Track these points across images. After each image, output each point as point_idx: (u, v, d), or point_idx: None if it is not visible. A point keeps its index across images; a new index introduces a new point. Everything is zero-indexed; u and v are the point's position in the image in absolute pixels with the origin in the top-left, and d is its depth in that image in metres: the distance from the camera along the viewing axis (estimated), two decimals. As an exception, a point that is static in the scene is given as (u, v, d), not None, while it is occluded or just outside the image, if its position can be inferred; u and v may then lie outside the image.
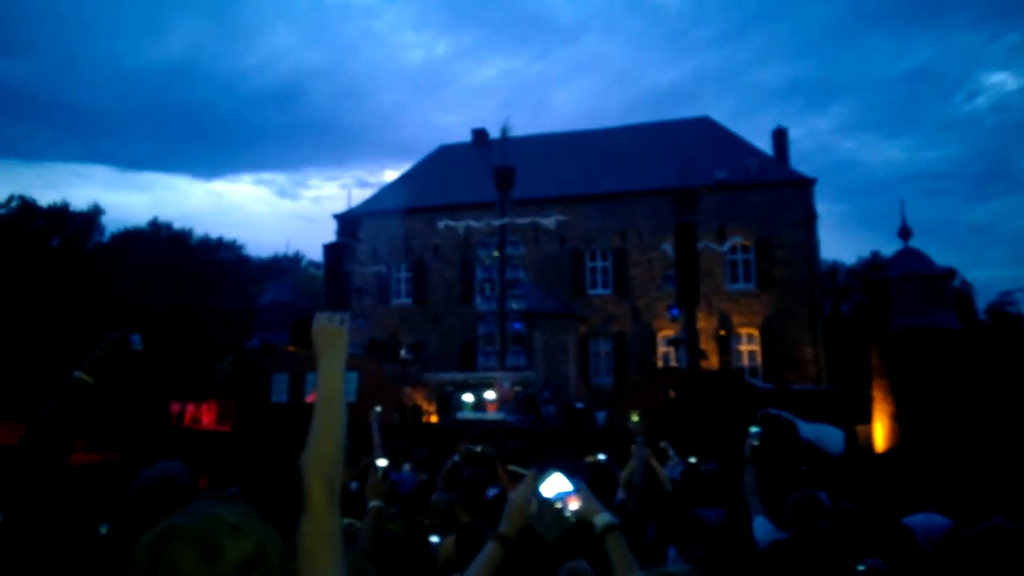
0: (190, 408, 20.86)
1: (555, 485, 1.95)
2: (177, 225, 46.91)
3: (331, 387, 1.40)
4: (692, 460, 6.04)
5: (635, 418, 4.55)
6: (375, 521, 3.10)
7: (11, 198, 40.21)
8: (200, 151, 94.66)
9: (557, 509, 1.90)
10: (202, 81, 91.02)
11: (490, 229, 22.21)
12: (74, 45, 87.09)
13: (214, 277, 38.69)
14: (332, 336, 1.45)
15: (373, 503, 3.16)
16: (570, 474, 1.99)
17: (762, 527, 3.47)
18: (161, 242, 42.04)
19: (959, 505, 4.36)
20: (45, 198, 47.62)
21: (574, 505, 1.96)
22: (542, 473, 1.97)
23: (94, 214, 43.01)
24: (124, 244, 40.49)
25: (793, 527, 3.17)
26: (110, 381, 2.04)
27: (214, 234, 49.02)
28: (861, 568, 2.43)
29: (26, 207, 40.26)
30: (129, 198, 75.52)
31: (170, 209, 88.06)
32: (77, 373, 1.97)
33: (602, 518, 1.92)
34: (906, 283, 17.51)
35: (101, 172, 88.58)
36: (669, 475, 5.35)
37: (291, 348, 20.57)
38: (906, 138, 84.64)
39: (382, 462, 3.67)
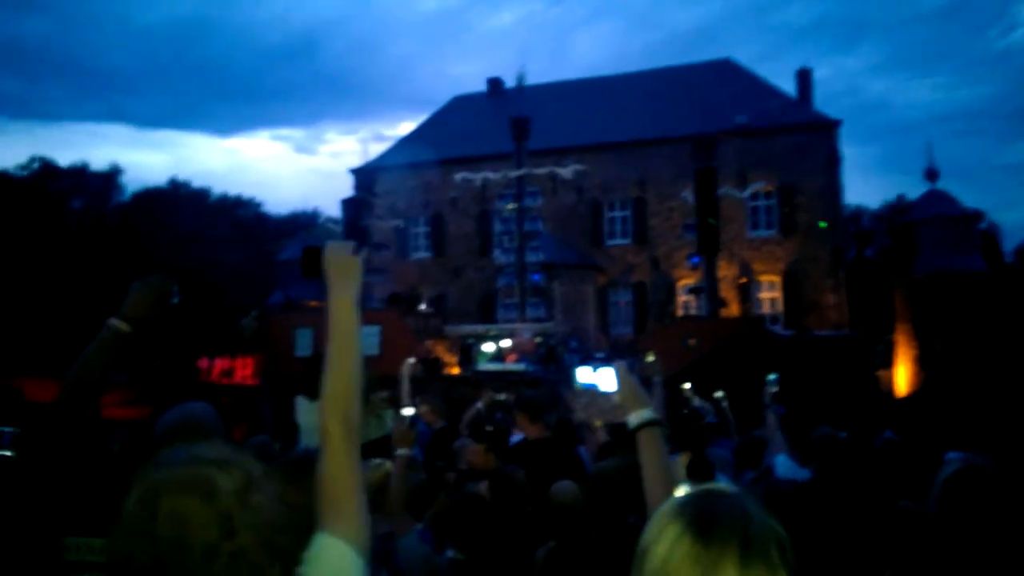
0: (218, 363, 21.31)
1: (597, 375, 1.81)
2: (196, 184, 47.10)
3: (344, 319, 1.30)
4: (719, 395, 6.11)
5: (650, 358, 4.57)
6: (403, 470, 3.14)
7: (32, 159, 40.54)
8: (217, 108, 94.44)
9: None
10: (217, 36, 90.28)
11: (507, 181, 22.02)
12: (89, 2, 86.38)
13: (234, 235, 38.98)
14: (345, 265, 1.35)
15: (401, 452, 3.19)
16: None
17: (784, 465, 3.53)
18: (180, 201, 42.28)
19: (980, 445, 4.35)
20: (64, 158, 47.91)
21: (607, 384, 1.76)
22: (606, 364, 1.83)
23: (113, 174, 43.28)
24: (144, 203, 40.80)
25: (815, 465, 3.23)
26: (146, 333, 1.85)
27: (232, 192, 49.20)
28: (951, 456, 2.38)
29: (47, 168, 40.60)
30: (148, 157, 75.94)
31: (188, 167, 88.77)
32: (114, 321, 1.77)
33: (643, 413, 1.64)
34: (931, 226, 17.19)
35: (119, 131, 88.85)
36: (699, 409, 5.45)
37: (313, 304, 20.80)
38: (938, 76, 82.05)
39: (409, 410, 3.73)
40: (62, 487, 1.67)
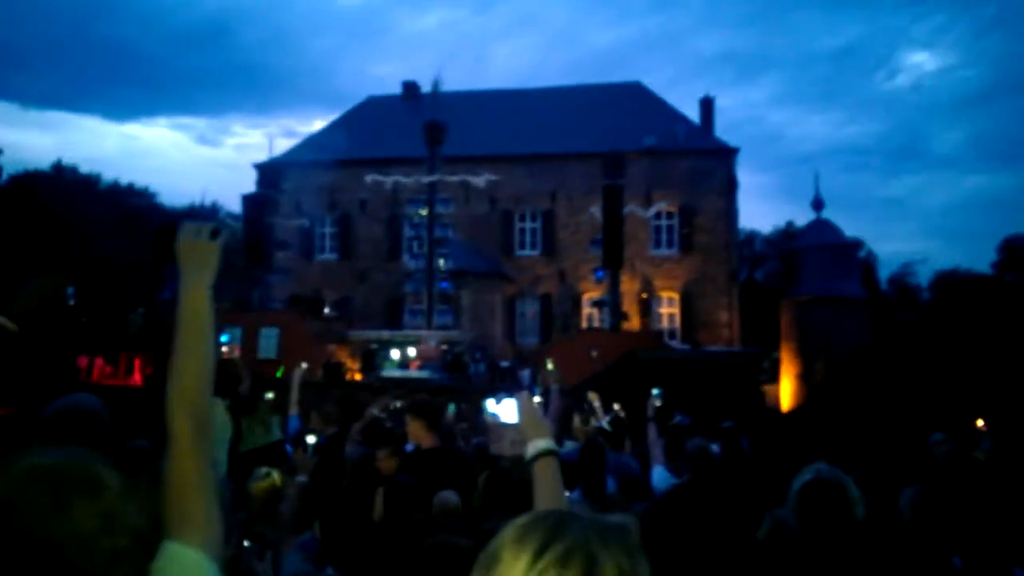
0: (98, 362, 19.93)
1: (501, 407, 1.84)
2: (84, 169, 43.96)
3: (195, 308, 1.22)
4: (616, 407, 6.32)
5: (550, 366, 4.73)
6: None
7: None
8: (114, 91, 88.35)
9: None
10: (120, 15, 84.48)
11: (419, 186, 21.88)
12: (-38, -36, 79.02)
13: (124, 225, 36.61)
14: (201, 250, 1.26)
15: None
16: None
17: (659, 475, 3.70)
18: (65, 186, 39.33)
19: (851, 459, 4.70)
20: (-69, 133, 43.56)
21: (508, 416, 1.76)
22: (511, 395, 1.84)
23: (-11, 153, 39.72)
24: (23, 186, 37.66)
25: (688, 474, 3.40)
26: (32, 332, 1.76)
27: (125, 180, 46.28)
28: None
29: (-92, 142, 36.77)
30: (32, 138, 70.19)
31: (78, 151, 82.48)
32: (0, 319, 1.68)
33: (539, 443, 1.63)
34: (815, 252, 18.41)
35: (1, 109, 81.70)
36: (598, 425, 5.63)
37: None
38: (830, 112, 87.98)
39: (311, 438, 3.65)
40: None
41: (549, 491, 1.57)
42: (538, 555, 0.78)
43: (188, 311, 1.22)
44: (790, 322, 16.85)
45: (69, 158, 64.82)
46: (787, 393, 16.13)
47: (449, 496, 3.05)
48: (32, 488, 0.97)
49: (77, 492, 0.98)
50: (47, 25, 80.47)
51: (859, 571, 2.06)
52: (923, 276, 40.92)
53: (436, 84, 23.29)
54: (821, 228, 19.63)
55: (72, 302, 1.82)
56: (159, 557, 1.04)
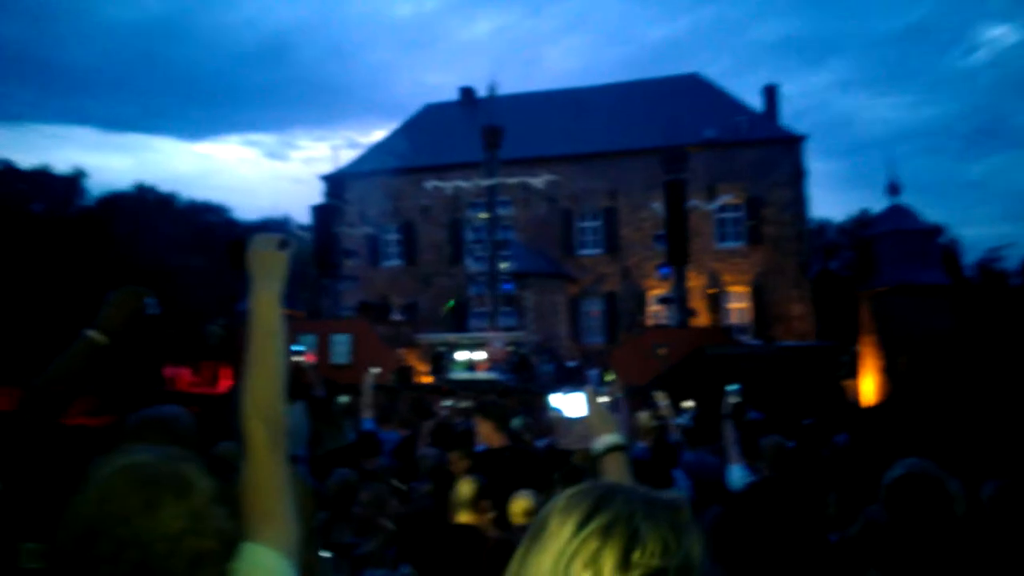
0: (183, 372, 20.90)
1: (566, 401, 1.80)
2: (163, 188, 46.29)
3: (267, 316, 1.24)
4: (689, 404, 6.20)
5: (610, 377, 4.69)
6: None
7: (-9, 161, 39.54)
8: (185, 111, 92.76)
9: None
10: (187, 38, 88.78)
11: (479, 190, 22.03)
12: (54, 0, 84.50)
13: (201, 241, 38.32)
14: (269, 260, 1.29)
15: None
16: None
17: (737, 474, 3.59)
18: (147, 206, 41.49)
19: (943, 454, 4.45)
20: (26, 161, 46.70)
21: (574, 410, 1.74)
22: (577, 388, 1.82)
23: (77, 177, 42.33)
24: (108, 208, 39.92)
25: (766, 472, 3.28)
26: (121, 344, 1.82)
27: (201, 197, 48.47)
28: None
29: (7, 170, 39.55)
30: (113, 160, 74.34)
31: (155, 172, 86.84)
32: (90, 332, 1.75)
33: (607, 438, 1.63)
34: (892, 239, 17.62)
35: (83, 134, 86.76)
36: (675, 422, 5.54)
37: (286, 312, 20.52)
38: (901, 95, 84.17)
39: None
40: (20, 494, 1.63)
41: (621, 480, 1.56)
42: (582, 525, 0.78)
43: (259, 319, 1.24)
44: (869, 313, 16.16)
45: (149, 178, 68.42)
46: (869, 388, 15.47)
47: (525, 495, 3.05)
48: (124, 486, 0.98)
49: (167, 492, 0.99)
50: (121, 52, 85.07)
51: (963, 569, 1.94)
52: (1012, 261, 38.54)
53: (492, 88, 23.42)
54: (898, 214, 18.77)
55: (154, 311, 1.86)
56: (239, 558, 1.05)
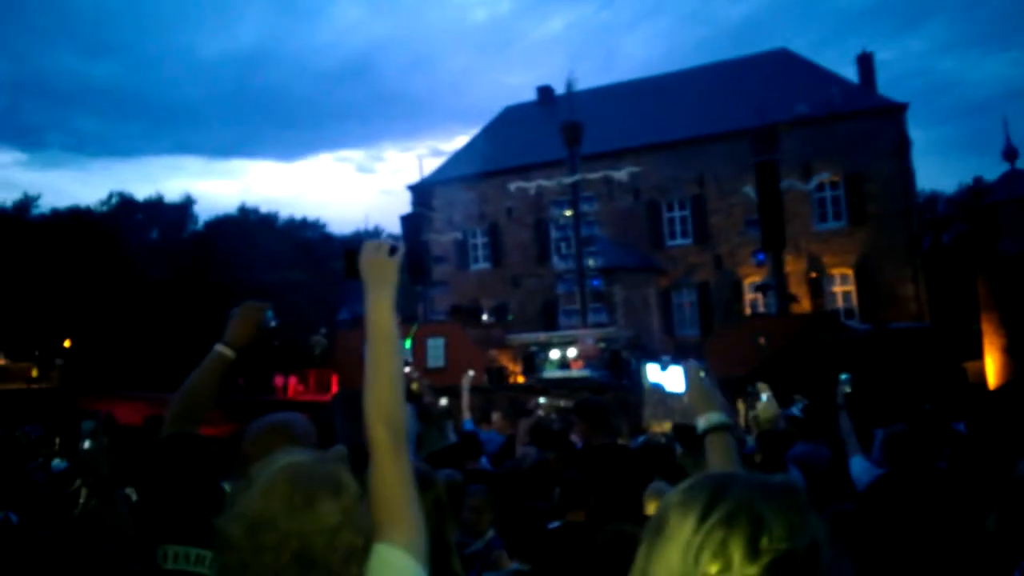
0: (292, 380, 22.05)
1: (665, 375, 1.75)
2: (264, 209, 48.98)
3: (382, 321, 1.28)
4: (797, 398, 5.95)
5: (700, 373, 4.59)
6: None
7: (111, 195, 43.18)
8: (280, 134, 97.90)
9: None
10: (275, 66, 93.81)
11: (561, 187, 21.99)
12: (152, 42, 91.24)
13: (301, 256, 40.25)
14: (380, 267, 1.33)
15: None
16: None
17: (859, 465, 3.42)
18: (250, 226, 43.98)
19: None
20: (142, 192, 50.56)
21: (674, 385, 1.67)
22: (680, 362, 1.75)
23: (187, 204, 45.41)
24: (216, 230, 42.60)
25: (888, 464, 3.11)
26: (244, 356, 1.94)
27: (298, 215, 50.93)
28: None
29: (125, 202, 43.00)
30: (218, 185, 79.33)
31: (256, 193, 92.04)
32: (219, 347, 1.86)
33: (712, 416, 1.54)
34: (1013, 207, 16.26)
35: (191, 162, 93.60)
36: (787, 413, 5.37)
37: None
38: (1011, 51, 77.60)
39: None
40: (161, 499, 1.77)
41: (724, 467, 1.47)
42: (704, 517, 0.78)
43: (375, 325, 1.28)
44: (989, 289, 14.99)
45: (251, 200, 72.38)
46: (993, 369, 14.34)
47: (661, 487, 3.08)
48: (285, 484, 1.05)
49: (324, 490, 1.05)
50: (219, 85, 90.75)
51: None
52: None
53: (569, 84, 23.33)
54: (1017, 180, 17.32)
55: (275, 323, 1.97)
56: (371, 558, 1.10)
